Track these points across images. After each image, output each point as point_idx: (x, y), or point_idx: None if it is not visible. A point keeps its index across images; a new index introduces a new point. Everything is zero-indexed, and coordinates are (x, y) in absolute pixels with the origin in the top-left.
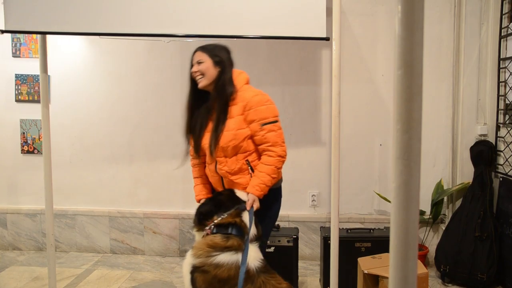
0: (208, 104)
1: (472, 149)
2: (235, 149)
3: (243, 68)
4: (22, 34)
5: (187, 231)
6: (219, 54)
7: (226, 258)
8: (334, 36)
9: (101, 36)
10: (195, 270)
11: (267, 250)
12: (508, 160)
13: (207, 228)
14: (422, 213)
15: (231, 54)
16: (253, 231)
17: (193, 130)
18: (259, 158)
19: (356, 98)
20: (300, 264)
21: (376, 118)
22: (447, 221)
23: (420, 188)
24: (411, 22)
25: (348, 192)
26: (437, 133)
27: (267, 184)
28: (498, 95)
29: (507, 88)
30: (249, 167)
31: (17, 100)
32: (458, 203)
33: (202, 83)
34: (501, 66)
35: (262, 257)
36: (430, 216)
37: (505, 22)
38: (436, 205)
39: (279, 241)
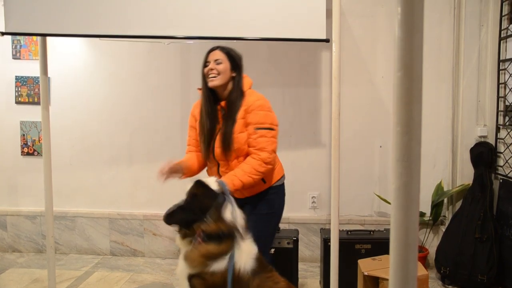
0: (218, 107)
1: (472, 150)
2: (236, 152)
3: (243, 71)
4: (22, 36)
5: None
6: (237, 60)
7: (220, 265)
8: (334, 37)
9: (101, 38)
10: (192, 277)
11: None
12: (508, 161)
13: (198, 237)
14: (422, 214)
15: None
16: (240, 222)
17: (203, 131)
18: None
19: (356, 99)
20: (300, 266)
21: (376, 120)
22: (447, 222)
23: (420, 190)
24: (411, 24)
25: (348, 194)
26: (437, 135)
27: (241, 179)
28: (498, 97)
29: (507, 90)
30: None
31: (17, 102)
32: (458, 205)
33: (214, 82)
34: (500, 68)
35: (255, 252)
36: (430, 218)
37: (504, 24)
38: (436, 206)
39: (279, 243)
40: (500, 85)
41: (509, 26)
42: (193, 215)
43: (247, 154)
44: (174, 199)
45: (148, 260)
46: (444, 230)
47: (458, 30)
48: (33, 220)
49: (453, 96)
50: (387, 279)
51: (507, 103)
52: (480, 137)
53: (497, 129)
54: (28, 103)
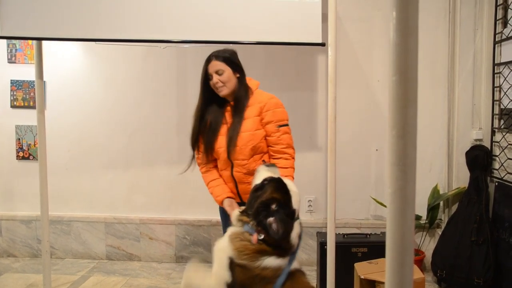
0: (221, 108)
1: (467, 154)
2: (253, 150)
3: None
4: (17, 40)
5: (183, 237)
6: (235, 60)
7: (272, 262)
8: (330, 41)
9: (97, 42)
10: (236, 264)
11: None
12: (504, 164)
13: (255, 235)
14: (418, 218)
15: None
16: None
17: (204, 135)
18: (270, 159)
19: (352, 103)
20: None
21: (372, 123)
22: (443, 225)
23: (416, 193)
24: (406, 28)
25: (345, 197)
26: (433, 138)
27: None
28: (493, 100)
29: (502, 93)
30: None
31: (13, 106)
32: (454, 208)
33: (224, 92)
34: (495, 71)
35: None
36: (426, 221)
37: (499, 28)
38: (432, 210)
39: None
40: (495, 89)
41: (503, 30)
42: (265, 207)
43: (262, 152)
44: (171, 204)
45: (144, 264)
46: (440, 233)
47: (453, 34)
48: (28, 225)
49: (448, 100)
50: (383, 283)
51: (502, 107)
52: (476, 140)
53: (493, 133)
54: (24, 107)
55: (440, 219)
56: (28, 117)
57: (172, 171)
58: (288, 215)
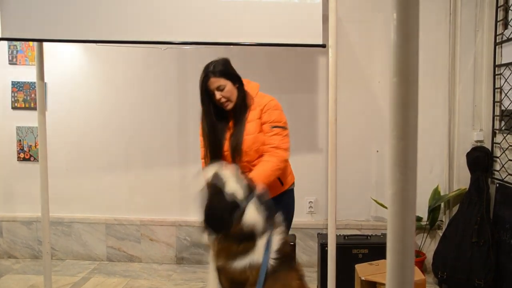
0: (224, 116)
1: (468, 155)
2: (257, 152)
3: (240, 75)
4: (18, 42)
5: (184, 238)
6: (231, 71)
7: (240, 263)
8: (331, 43)
9: (98, 44)
10: (218, 269)
11: None
12: (505, 166)
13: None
14: (419, 219)
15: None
16: (261, 222)
17: (212, 142)
18: None
19: (352, 104)
20: None
21: (372, 125)
22: (444, 227)
23: (416, 194)
24: (407, 30)
25: (345, 199)
26: (434, 140)
27: (265, 175)
28: (494, 101)
29: (503, 95)
30: None
31: (14, 108)
32: (455, 209)
33: (230, 106)
34: (496, 73)
35: (275, 250)
36: (427, 222)
37: (500, 29)
38: (433, 211)
39: None
40: (496, 90)
41: (504, 31)
42: (228, 214)
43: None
44: (171, 205)
45: (145, 265)
46: (441, 234)
47: (453, 36)
48: (29, 226)
49: (449, 101)
50: (384, 284)
51: (503, 108)
52: (477, 141)
53: (493, 134)
54: (25, 108)
55: (441, 221)
56: (29, 119)
57: (173, 172)
58: (225, 203)
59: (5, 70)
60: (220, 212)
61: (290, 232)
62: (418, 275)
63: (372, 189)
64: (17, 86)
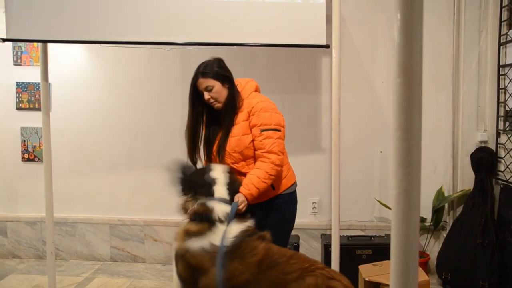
0: (217, 116)
1: (472, 155)
2: (242, 155)
3: (243, 76)
4: (23, 43)
5: None
6: (221, 72)
7: (195, 244)
8: (334, 43)
9: (101, 44)
10: (177, 256)
11: None
12: (509, 167)
13: (188, 214)
14: (423, 220)
15: (224, 62)
16: (221, 211)
17: (205, 144)
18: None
19: (356, 105)
20: None
21: (376, 125)
22: (448, 228)
23: (420, 195)
24: (410, 30)
25: (349, 199)
26: (437, 140)
27: (256, 185)
28: (498, 102)
29: (507, 95)
30: None
31: (18, 108)
32: (459, 210)
33: (218, 105)
34: (500, 73)
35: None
36: (431, 223)
37: (504, 29)
38: (437, 212)
39: None
40: (500, 90)
41: (508, 31)
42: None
43: (253, 156)
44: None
45: (148, 266)
46: (445, 235)
47: (457, 36)
48: (33, 226)
49: (453, 102)
50: (388, 285)
51: (507, 108)
52: (481, 142)
53: (498, 134)
54: (29, 109)
55: (445, 221)
56: (33, 119)
57: None
58: (204, 177)
59: (9, 71)
60: (195, 177)
61: (293, 233)
62: (422, 276)
63: (375, 190)
64: (21, 87)
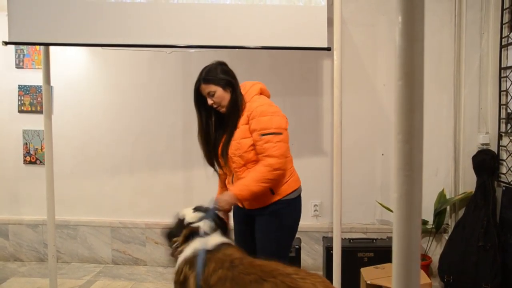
0: (221, 119)
1: (474, 158)
2: (242, 159)
3: (244, 79)
4: (25, 46)
5: None
6: (222, 77)
7: (178, 263)
8: (336, 46)
9: (103, 47)
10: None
11: None
12: (511, 169)
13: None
14: (424, 222)
15: (227, 65)
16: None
17: (214, 145)
18: None
19: (357, 107)
20: None
21: (377, 128)
22: (450, 230)
23: (422, 198)
24: (412, 32)
25: (350, 202)
26: (439, 142)
27: (249, 187)
28: (500, 104)
29: (509, 97)
30: None
31: (20, 111)
32: (461, 213)
33: (222, 110)
34: (502, 75)
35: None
36: (433, 226)
37: (505, 32)
38: (439, 214)
39: None
40: (501, 93)
41: (509, 34)
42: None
43: (253, 161)
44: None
45: (150, 268)
46: (447, 238)
47: (459, 38)
48: (35, 229)
49: (454, 104)
50: None
51: (509, 111)
52: (482, 144)
53: (499, 137)
54: (31, 112)
55: (447, 224)
56: (35, 122)
57: (178, 175)
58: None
59: (12, 74)
60: (173, 229)
61: (295, 236)
62: (424, 279)
63: (377, 192)
64: (23, 90)
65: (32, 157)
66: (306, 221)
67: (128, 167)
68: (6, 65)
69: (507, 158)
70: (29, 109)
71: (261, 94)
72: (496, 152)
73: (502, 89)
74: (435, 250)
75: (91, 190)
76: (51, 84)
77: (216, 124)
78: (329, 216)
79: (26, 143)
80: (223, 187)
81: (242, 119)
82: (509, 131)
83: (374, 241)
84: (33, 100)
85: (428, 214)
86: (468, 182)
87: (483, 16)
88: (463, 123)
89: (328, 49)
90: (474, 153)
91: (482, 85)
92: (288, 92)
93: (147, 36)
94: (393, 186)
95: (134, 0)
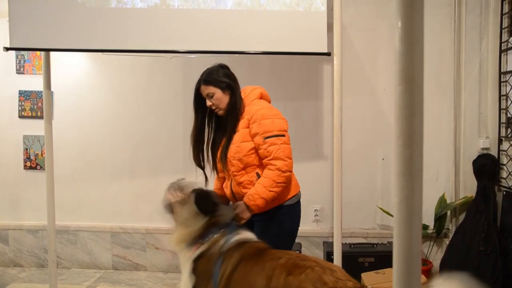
0: (221, 122)
1: (474, 162)
2: (241, 162)
3: (245, 84)
4: (26, 51)
5: None
6: (222, 79)
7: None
8: (336, 51)
9: (103, 53)
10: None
11: None
12: (511, 173)
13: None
14: (425, 227)
15: (229, 68)
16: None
17: (213, 147)
18: None
19: (358, 112)
20: None
21: (378, 132)
22: (450, 235)
23: (422, 202)
24: (411, 37)
25: (351, 207)
26: (439, 147)
27: (261, 196)
28: (500, 109)
29: (509, 102)
30: None
31: (21, 116)
32: (462, 217)
33: (220, 112)
34: (502, 80)
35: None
36: (434, 231)
37: (505, 36)
38: (440, 219)
39: None
40: (501, 97)
41: (509, 38)
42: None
43: (253, 164)
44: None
45: (150, 274)
46: (447, 242)
47: (458, 43)
48: (35, 234)
49: (454, 109)
50: None
51: (509, 115)
52: (483, 149)
53: (500, 141)
54: (32, 117)
55: (448, 229)
56: (35, 127)
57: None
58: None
59: (12, 79)
60: (212, 199)
61: (296, 241)
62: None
63: (378, 197)
64: (24, 95)
65: (33, 162)
66: (307, 226)
67: (129, 172)
68: (7, 70)
69: (507, 163)
70: (30, 114)
71: (261, 98)
72: (496, 156)
73: (502, 94)
74: (436, 255)
75: (92, 195)
76: (52, 90)
77: (216, 127)
78: (330, 221)
79: (27, 149)
80: (220, 188)
81: (242, 123)
82: (509, 135)
83: (374, 246)
84: (33, 105)
85: (428, 218)
86: (469, 187)
87: (483, 21)
88: (463, 127)
89: (328, 54)
90: (475, 157)
91: (482, 89)
92: (289, 97)
93: (148, 42)
94: (393, 190)
95: (134, 5)
